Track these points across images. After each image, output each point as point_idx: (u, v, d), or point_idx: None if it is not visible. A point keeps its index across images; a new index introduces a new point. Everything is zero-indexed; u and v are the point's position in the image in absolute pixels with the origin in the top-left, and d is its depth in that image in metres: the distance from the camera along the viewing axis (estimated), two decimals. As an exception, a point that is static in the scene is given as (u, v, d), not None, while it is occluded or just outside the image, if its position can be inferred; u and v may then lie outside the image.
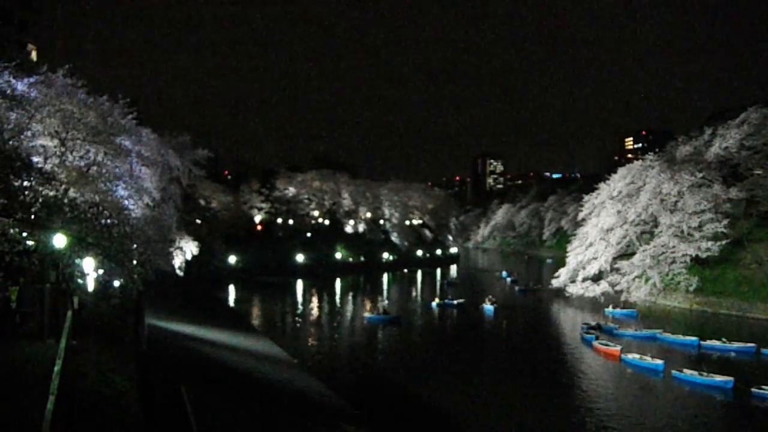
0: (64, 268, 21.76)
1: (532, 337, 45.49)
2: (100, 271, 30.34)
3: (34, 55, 71.69)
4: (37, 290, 20.91)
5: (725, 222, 54.52)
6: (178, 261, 57.49)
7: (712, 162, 59.74)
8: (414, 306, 63.46)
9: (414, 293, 74.00)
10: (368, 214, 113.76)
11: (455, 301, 59.87)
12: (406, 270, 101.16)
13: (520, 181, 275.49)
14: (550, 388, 30.64)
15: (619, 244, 59.89)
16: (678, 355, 37.25)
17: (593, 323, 45.94)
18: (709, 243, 53.67)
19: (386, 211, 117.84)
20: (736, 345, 38.55)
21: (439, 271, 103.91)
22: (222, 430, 17.67)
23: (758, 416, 26.94)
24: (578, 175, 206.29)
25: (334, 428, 22.32)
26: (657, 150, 68.78)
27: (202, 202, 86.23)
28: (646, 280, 56.43)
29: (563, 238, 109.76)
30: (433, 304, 60.40)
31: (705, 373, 30.95)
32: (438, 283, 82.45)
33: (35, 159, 26.22)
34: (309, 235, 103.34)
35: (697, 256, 54.76)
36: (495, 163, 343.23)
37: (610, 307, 54.25)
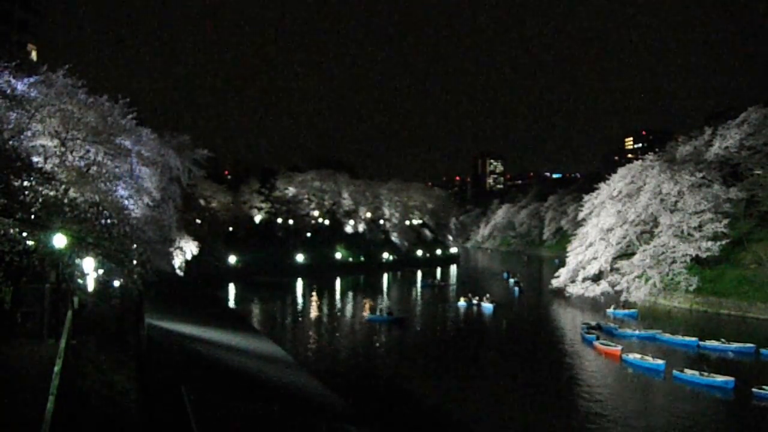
0: (64, 268, 21.73)
1: (532, 337, 45.47)
2: (100, 271, 30.36)
3: (34, 55, 71.72)
4: (37, 290, 20.88)
5: (725, 222, 54.50)
6: (178, 261, 57.42)
7: (712, 162, 59.76)
8: (415, 306, 63.44)
9: (414, 293, 73.99)
10: (368, 214, 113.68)
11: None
12: (406, 270, 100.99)
13: (520, 181, 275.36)
14: (552, 388, 30.64)
15: (619, 244, 59.88)
16: (678, 356, 37.23)
17: (593, 323, 45.97)
18: (709, 243, 53.64)
19: (386, 211, 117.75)
20: (735, 345, 38.53)
21: (439, 270, 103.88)
22: (222, 430, 17.66)
23: (759, 416, 26.93)
24: (578, 175, 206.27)
25: (334, 428, 22.30)
26: (657, 150, 68.81)
27: (202, 202, 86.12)
28: (646, 280, 56.40)
29: (563, 238, 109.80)
30: (460, 303, 60.18)
31: (706, 373, 30.93)
32: (424, 285, 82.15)
33: (35, 159, 26.21)
34: (309, 235, 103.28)
35: (697, 256, 54.74)
36: (495, 163, 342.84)
37: (612, 307, 54.23)
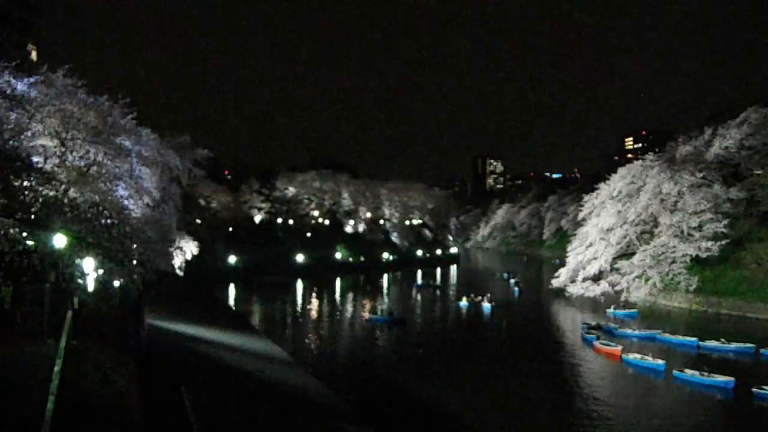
0: (64, 268, 21.71)
1: (533, 337, 45.46)
2: (100, 271, 30.30)
3: (34, 55, 71.63)
4: (37, 290, 20.88)
5: (725, 222, 54.53)
6: (178, 261, 57.38)
7: (712, 162, 59.77)
8: (415, 306, 63.42)
9: (414, 294, 73.93)
10: (368, 214, 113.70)
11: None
12: (406, 270, 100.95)
13: (520, 181, 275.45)
14: (552, 388, 30.63)
15: (619, 244, 59.90)
16: (677, 356, 37.23)
17: (594, 323, 45.96)
18: (709, 243, 53.66)
19: (386, 211, 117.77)
20: (734, 345, 38.52)
21: (439, 270, 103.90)
22: (222, 430, 17.65)
23: (759, 416, 26.93)
24: (578, 175, 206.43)
25: (334, 428, 22.30)
26: (657, 150, 68.92)
27: (202, 202, 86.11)
28: (646, 280, 56.42)
29: (563, 238, 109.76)
30: (462, 303, 60.08)
31: (706, 374, 30.91)
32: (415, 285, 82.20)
33: (35, 159, 26.22)
34: (309, 235, 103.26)
35: (697, 256, 54.75)
36: (495, 163, 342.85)
37: (612, 307, 54.25)
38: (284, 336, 45.09)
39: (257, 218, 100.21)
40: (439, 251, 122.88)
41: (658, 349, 38.72)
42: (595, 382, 32.55)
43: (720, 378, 30.36)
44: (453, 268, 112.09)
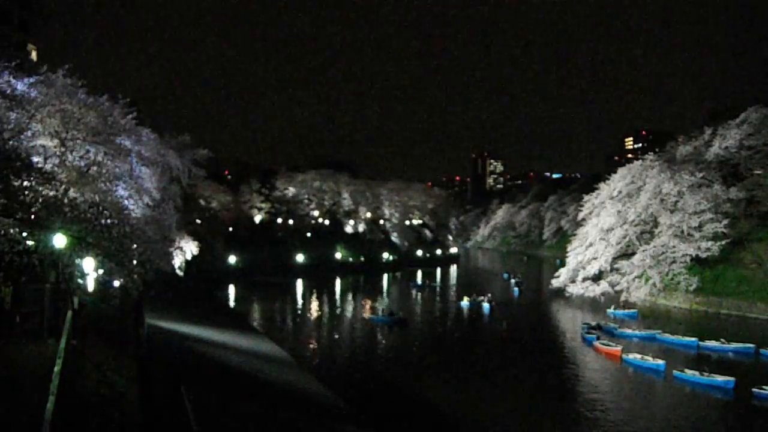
0: (64, 268, 21.72)
1: (533, 337, 45.48)
2: (100, 271, 30.34)
3: (34, 55, 71.59)
4: (37, 290, 20.88)
5: (725, 222, 54.55)
6: (178, 261, 57.38)
7: (712, 162, 59.80)
8: (415, 306, 63.41)
9: (414, 294, 73.93)
10: (368, 214, 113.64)
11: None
12: (406, 270, 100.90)
13: (520, 181, 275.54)
14: (552, 388, 30.63)
15: (619, 244, 59.91)
16: (677, 356, 37.23)
17: (594, 323, 45.97)
18: (709, 243, 53.68)
19: (386, 211, 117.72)
20: (734, 345, 38.54)
21: (439, 270, 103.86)
22: (222, 430, 17.66)
23: (759, 416, 26.93)
24: (578, 175, 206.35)
25: (334, 428, 22.31)
26: (657, 150, 68.91)
27: (202, 202, 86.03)
28: (646, 280, 56.43)
29: (563, 238, 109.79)
30: (463, 303, 60.01)
31: (706, 373, 30.93)
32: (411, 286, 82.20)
33: (35, 159, 26.17)
34: (309, 235, 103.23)
35: (697, 256, 54.75)
36: (495, 163, 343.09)
37: (612, 307, 54.25)
38: (284, 336, 45.07)
39: (257, 218, 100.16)
40: (439, 251, 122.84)
41: (658, 349, 38.73)
42: (595, 382, 32.54)
43: (720, 378, 30.37)
44: (453, 268, 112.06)
